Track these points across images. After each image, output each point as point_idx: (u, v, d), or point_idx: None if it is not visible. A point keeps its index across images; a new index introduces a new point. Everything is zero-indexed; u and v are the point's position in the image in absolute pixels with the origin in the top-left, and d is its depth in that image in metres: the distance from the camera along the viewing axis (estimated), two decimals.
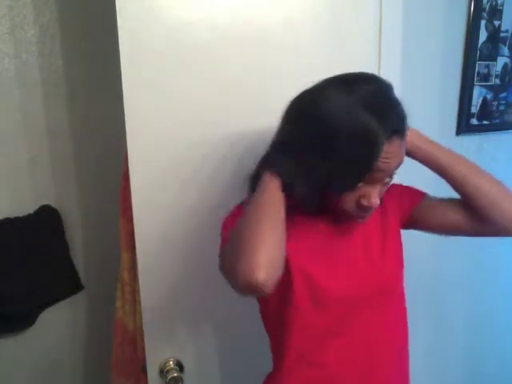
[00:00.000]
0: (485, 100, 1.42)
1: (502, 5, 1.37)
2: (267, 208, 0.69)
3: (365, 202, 0.73)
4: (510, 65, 1.43)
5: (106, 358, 1.14)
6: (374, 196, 0.72)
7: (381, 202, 0.80)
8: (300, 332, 0.79)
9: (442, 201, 0.89)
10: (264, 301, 0.85)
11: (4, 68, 1.19)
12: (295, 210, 0.76)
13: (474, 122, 1.43)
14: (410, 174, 1.36)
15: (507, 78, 1.44)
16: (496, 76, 1.42)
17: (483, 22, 1.36)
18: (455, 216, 0.85)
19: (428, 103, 1.36)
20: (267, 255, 0.63)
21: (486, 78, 1.41)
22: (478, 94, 1.40)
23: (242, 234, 0.67)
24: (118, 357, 1.12)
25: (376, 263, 0.83)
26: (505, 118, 1.47)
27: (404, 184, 0.96)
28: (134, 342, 1.10)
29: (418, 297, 1.42)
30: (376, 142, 0.67)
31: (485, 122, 1.44)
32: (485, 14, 1.35)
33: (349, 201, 0.74)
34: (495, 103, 1.44)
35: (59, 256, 1.29)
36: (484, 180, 0.82)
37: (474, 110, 1.41)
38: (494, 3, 1.36)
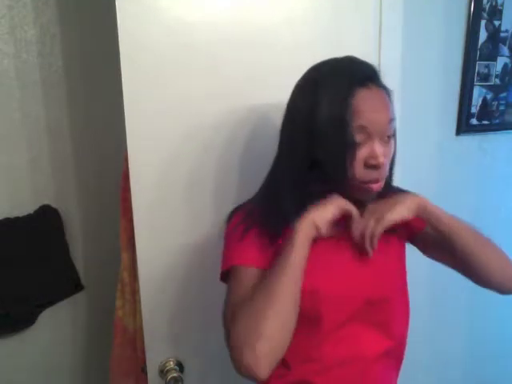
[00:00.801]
0: (485, 100, 1.42)
1: (502, 5, 1.37)
2: (285, 286, 0.68)
3: (372, 161, 0.72)
4: (510, 65, 1.43)
5: (105, 358, 1.14)
6: (378, 152, 0.72)
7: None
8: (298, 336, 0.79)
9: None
10: None
11: (4, 68, 1.19)
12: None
13: (474, 122, 1.42)
14: (409, 175, 1.36)
15: (507, 78, 1.44)
16: (496, 76, 1.42)
17: (483, 22, 1.36)
18: (452, 261, 0.85)
19: (428, 103, 1.36)
20: (272, 346, 0.65)
21: (486, 77, 1.41)
22: (477, 94, 1.40)
23: (252, 315, 0.66)
24: (118, 357, 1.12)
25: (375, 273, 0.81)
26: (505, 117, 1.47)
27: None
28: (134, 342, 1.10)
29: (418, 297, 1.42)
30: (346, 82, 0.71)
31: (485, 122, 1.44)
32: (485, 14, 1.35)
33: (356, 166, 0.73)
34: (495, 103, 1.44)
35: (59, 256, 1.29)
36: (486, 251, 0.81)
37: (474, 110, 1.41)
38: (494, 3, 1.36)
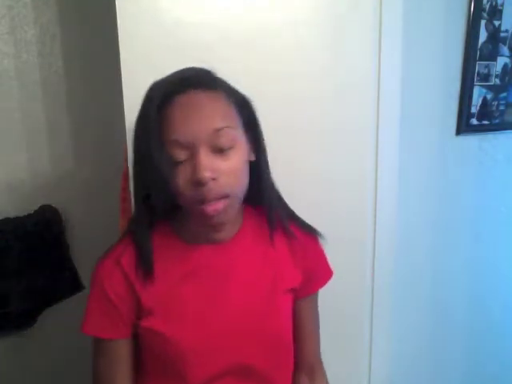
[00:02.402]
0: (485, 100, 1.42)
1: (502, 5, 1.37)
2: None
3: (194, 177, 0.61)
4: (510, 65, 1.43)
5: None
6: (199, 165, 0.61)
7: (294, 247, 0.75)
8: None
9: (311, 323, 0.81)
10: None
11: (4, 68, 1.19)
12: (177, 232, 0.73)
13: (474, 122, 1.42)
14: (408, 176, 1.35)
15: (507, 78, 1.44)
16: (496, 76, 1.42)
17: (483, 22, 1.36)
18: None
19: (428, 103, 1.36)
20: None
21: (486, 78, 1.40)
22: (477, 94, 1.40)
23: None
24: None
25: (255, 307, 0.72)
26: (505, 118, 1.47)
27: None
28: None
29: (418, 297, 1.42)
30: (158, 92, 0.64)
31: (485, 122, 1.44)
32: (485, 14, 1.35)
33: (183, 184, 0.63)
34: (495, 103, 1.44)
35: (59, 256, 1.29)
36: None
37: (474, 110, 1.41)
38: (494, 3, 1.36)
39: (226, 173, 0.64)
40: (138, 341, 0.73)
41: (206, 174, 0.61)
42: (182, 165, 0.63)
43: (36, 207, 1.26)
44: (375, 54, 1.14)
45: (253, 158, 0.71)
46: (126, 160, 0.97)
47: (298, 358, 0.80)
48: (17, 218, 1.23)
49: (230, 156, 0.64)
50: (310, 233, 0.79)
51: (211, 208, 0.63)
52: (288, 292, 0.75)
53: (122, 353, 0.71)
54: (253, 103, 0.71)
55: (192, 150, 0.62)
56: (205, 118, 0.62)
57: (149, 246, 0.70)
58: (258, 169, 0.72)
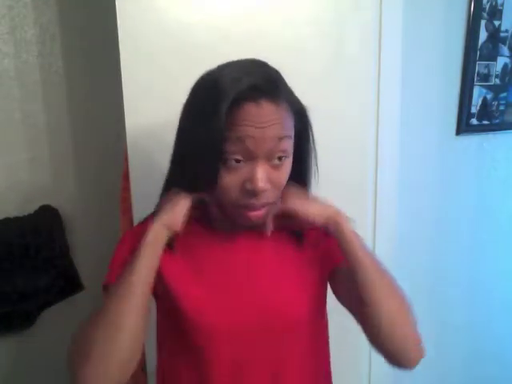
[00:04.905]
0: (485, 100, 1.42)
1: (502, 5, 1.37)
2: (128, 299, 0.62)
3: (248, 186, 0.62)
4: (510, 65, 1.43)
5: None
6: (257, 176, 0.61)
7: (301, 232, 0.73)
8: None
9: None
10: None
11: (4, 68, 1.19)
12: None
13: (474, 121, 1.42)
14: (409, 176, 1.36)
15: (507, 78, 1.44)
16: (496, 76, 1.42)
17: (483, 22, 1.36)
18: (354, 306, 0.71)
19: (428, 103, 1.36)
20: (116, 367, 0.59)
21: (486, 78, 1.41)
22: (477, 94, 1.40)
23: (88, 334, 0.61)
24: None
25: (263, 289, 0.71)
26: (505, 118, 1.47)
27: None
28: None
29: (418, 297, 1.42)
30: (223, 90, 0.59)
31: (485, 122, 1.44)
32: (485, 14, 1.35)
33: (232, 185, 0.63)
34: (495, 103, 1.44)
35: (59, 256, 1.29)
36: (388, 296, 0.66)
37: (474, 109, 1.41)
38: (493, 3, 1.36)
39: (275, 184, 0.65)
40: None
41: (263, 186, 0.62)
42: (236, 166, 0.62)
43: (36, 207, 1.26)
44: (375, 53, 1.14)
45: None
46: (127, 160, 0.97)
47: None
48: (17, 218, 1.23)
49: (281, 167, 0.65)
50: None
51: (254, 214, 0.65)
52: (314, 280, 0.74)
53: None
54: (309, 114, 0.70)
55: (250, 155, 0.62)
56: (270, 129, 0.61)
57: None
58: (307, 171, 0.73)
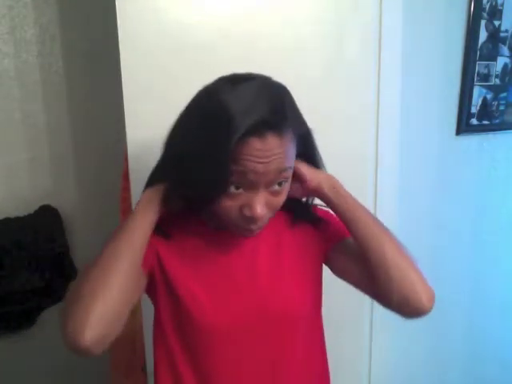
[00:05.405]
0: (485, 100, 1.42)
1: (502, 5, 1.37)
2: (119, 253, 0.63)
3: (247, 212, 0.63)
4: (510, 65, 1.43)
5: (105, 358, 1.14)
6: (255, 204, 0.62)
7: (296, 221, 0.75)
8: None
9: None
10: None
11: (4, 68, 1.19)
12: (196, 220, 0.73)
13: (474, 122, 1.42)
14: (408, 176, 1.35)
15: (507, 78, 1.44)
16: (496, 76, 1.42)
17: (483, 22, 1.36)
18: (360, 275, 0.73)
19: (428, 103, 1.36)
20: (98, 318, 0.58)
21: (486, 78, 1.40)
22: (477, 94, 1.40)
23: (80, 285, 0.61)
24: (118, 357, 1.12)
25: (263, 286, 0.72)
26: (505, 118, 1.47)
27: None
28: (134, 342, 1.10)
29: None
30: (231, 123, 0.58)
31: (485, 122, 1.44)
32: (485, 14, 1.35)
33: (231, 209, 0.64)
34: (495, 103, 1.44)
35: (59, 256, 1.29)
36: (393, 249, 0.70)
37: (474, 110, 1.41)
38: (493, 3, 1.36)
39: (274, 207, 0.66)
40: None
41: (261, 213, 0.63)
42: (236, 193, 0.63)
43: (36, 207, 1.26)
44: (375, 53, 1.14)
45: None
46: (127, 160, 0.97)
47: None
48: (17, 218, 1.23)
49: (280, 191, 0.66)
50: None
51: (251, 234, 0.67)
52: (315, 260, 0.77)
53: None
54: (313, 136, 0.72)
55: (251, 186, 0.63)
56: (273, 163, 0.62)
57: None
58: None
